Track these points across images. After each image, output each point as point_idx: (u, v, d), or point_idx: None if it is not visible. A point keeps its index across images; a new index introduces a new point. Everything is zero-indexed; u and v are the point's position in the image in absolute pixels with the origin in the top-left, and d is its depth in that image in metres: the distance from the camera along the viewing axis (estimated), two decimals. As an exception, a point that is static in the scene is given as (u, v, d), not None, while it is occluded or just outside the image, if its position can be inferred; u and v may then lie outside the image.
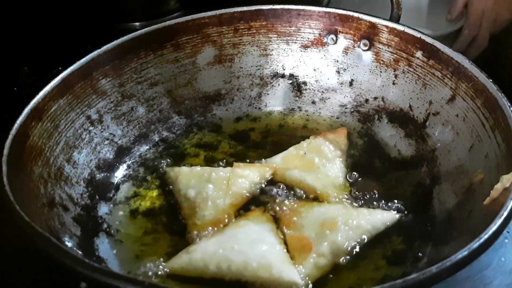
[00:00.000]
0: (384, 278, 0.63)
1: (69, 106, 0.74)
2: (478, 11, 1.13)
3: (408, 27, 0.80)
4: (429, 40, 0.78)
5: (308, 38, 0.89)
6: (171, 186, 0.76)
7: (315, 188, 0.74)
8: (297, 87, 0.91)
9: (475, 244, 0.50)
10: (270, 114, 0.91)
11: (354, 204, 0.72)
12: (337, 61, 0.88)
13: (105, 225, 0.71)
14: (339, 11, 0.86)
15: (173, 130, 0.86)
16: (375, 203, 0.72)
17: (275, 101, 0.91)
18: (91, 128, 0.77)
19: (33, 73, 0.97)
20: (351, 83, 0.88)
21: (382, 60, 0.84)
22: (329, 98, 0.90)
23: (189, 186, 0.73)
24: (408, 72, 0.81)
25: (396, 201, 0.72)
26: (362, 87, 0.87)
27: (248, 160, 0.80)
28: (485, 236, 0.51)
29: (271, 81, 0.91)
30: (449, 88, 0.76)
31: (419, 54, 0.79)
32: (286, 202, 0.72)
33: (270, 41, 0.89)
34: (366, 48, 0.85)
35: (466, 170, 0.69)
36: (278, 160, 0.79)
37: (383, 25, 0.82)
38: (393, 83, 0.84)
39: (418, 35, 0.79)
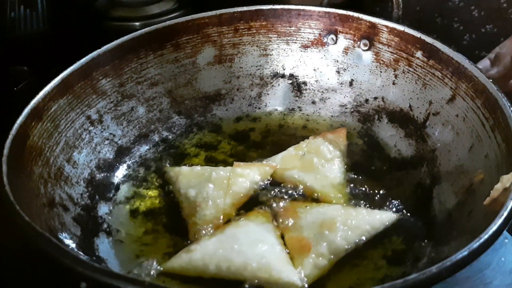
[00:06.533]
0: (384, 278, 0.63)
1: (69, 106, 0.74)
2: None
3: (408, 27, 0.80)
4: (429, 40, 0.78)
5: (308, 38, 0.89)
6: (171, 186, 0.76)
7: (314, 188, 0.74)
8: (297, 87, 0.91)
9: (475, 244, 0.50)
10: (270, 114, 0.91)
11: (353, 204, 0.72)
12: (337, 61, 0.88)
13: (105, 225, 0.71)
14: (339, 11, 0.86)
15: (173, 130, 0.86)
16: (374, 203, 0.72)
17: (275, 101, 0.91)
18: (91, 128, 0.77)
19: (33, 73, 0.97)
20: (351, 83, 0.88)
21: (382, 60, 0.84)
22: (329, 98, 0.90)
23: (190, 186, 0.73)
24: (408, 72, 0.81)
25: (396, 201, 0.72)
26: (362, 87, 0.87)
27: (248, 160, 0.80)
28: (485, 236, 0.51)
29: (271, 81, 0.91)
30: (449, 88, 0.76)
31: (419, 54, 0.79)
32: (285, 202, 0.72)
33: (270, 41, 0.90)
34: (366, 48, 0.85)
35: (466, 170, 0.69)
36: (277, 160, 0.79)
37: (383, 25, 0.82)
38: (393, 83, 0.84)
39: (418, 35, 0.79)
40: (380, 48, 0.84)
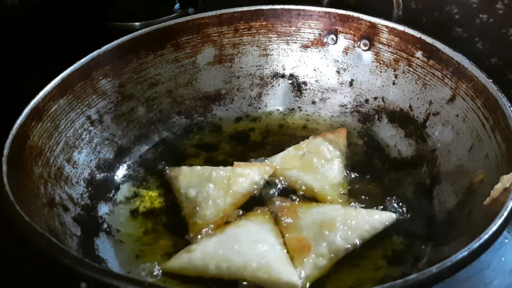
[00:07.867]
0: (384, 278, 0.63)
1: (69, 106, 0.74)
2: None
3: (408, 27, 0.80)
4: (429, 40, 0.78)
5: (308, 38, 0.89)
6: (171, 186, 0.76)
7: (314, 188, 0.74)
8: (297, 87, 0.91)
9: (475, 244, 0.50)
10: (270, 114, 0.91)
11: (353, 204, 0.72)
12: (337, 61, 0.88)
13: (105, 225, 0.71)
14: (339, 11, 0.86)
15: (173, 130, 0.86)
16: (374, 203, 0.72)
17: (275, 101, 0.91)
18: (91, 128, 0.77)
19: (33, 73, 0.97)
20: (351, 83, 0.88)
21: (382, 60, 0.84)
22: (329, 98, 0.90)
23: (190, 186, 0.73)
24: (408, 72, 0.81)
25: (396, 201, 0.72)
26: (362, 87, 0.87)
27: (248, 160, 0.80)
28: (485, 236, 0.51)
29: (271, 81, 0.91)
30: (449, 88, 0.76)
31: (419, 54, 0.79)
32: (285, 202, 0.72)
33: (270, 41, 0.90)
34: (366, 48, 0.85)
35: (466, 170, 0.69)
36: (277, 160, 0.79)
37: (383, 25, 0.82)
38: (393, 83, 0.84)
39: (418, 35, 0.79)
40: (380, 48, 0.84)
